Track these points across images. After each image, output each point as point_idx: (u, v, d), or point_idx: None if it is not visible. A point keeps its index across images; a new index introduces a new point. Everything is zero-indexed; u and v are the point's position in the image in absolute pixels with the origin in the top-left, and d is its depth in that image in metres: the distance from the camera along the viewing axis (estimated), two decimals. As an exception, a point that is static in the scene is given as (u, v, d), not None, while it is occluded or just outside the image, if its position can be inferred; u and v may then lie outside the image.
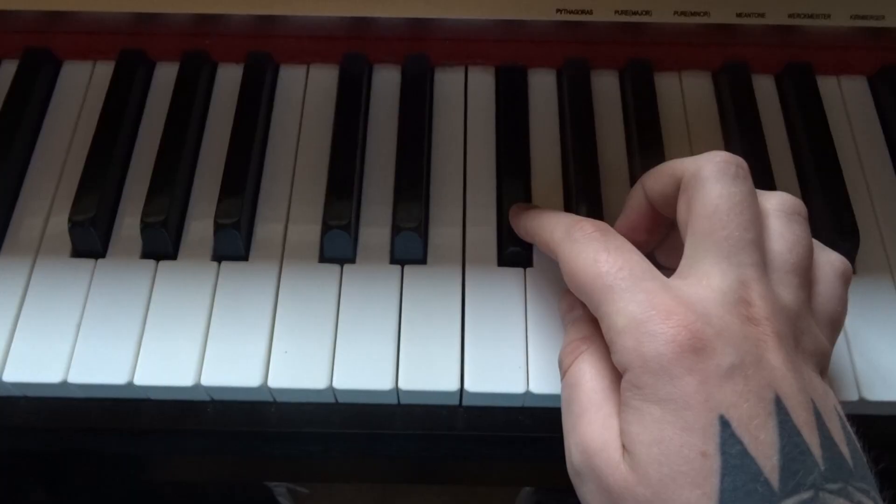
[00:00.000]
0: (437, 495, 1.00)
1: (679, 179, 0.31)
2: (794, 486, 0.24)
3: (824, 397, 0.27)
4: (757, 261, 0.28)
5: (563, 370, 0.31)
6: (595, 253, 0.29)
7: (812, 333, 0.29)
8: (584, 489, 0.28)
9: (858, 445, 0.27)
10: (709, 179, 0.29)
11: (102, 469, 0.48)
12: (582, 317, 0.33)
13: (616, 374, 0.29)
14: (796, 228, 0.30)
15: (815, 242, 0.31)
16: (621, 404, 0.27)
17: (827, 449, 0.25)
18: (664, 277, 0.28)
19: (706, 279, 0.27)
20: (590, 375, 0.30)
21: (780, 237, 0.29)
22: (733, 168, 0.29)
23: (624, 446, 0.27)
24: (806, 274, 0.29)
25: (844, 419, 0.27)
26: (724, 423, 0.25)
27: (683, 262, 0.29)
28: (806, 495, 0.24)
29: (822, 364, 0.29)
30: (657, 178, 0.33)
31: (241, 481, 0.83)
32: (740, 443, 0.24)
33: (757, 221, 0.29)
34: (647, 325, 0.26)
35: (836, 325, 0.31)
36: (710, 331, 0.26)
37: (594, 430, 0.28)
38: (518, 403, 0.36)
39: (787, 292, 0.28)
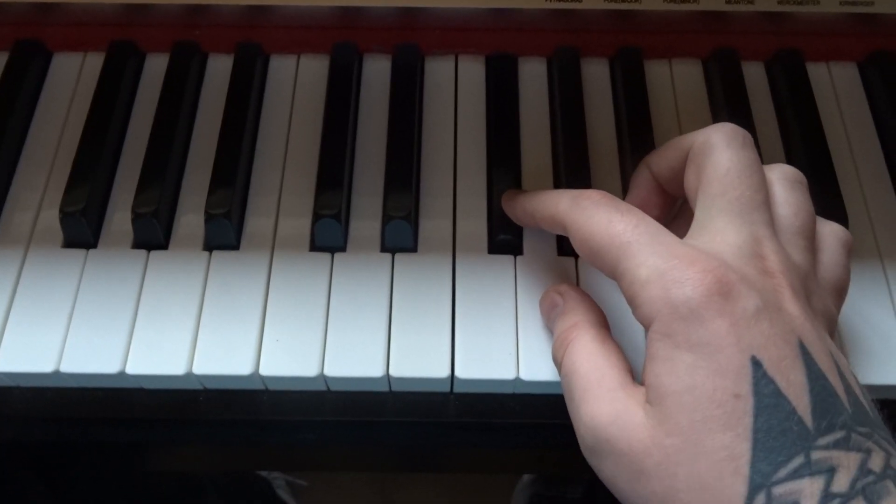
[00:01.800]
0: (435, 486, 1.00)
1: (686, 152, 0.32)
2: (826, 425, 0.24)
3: (838, 353, 0.27)
4: (768, 220, 0.29)
5: (558, 364, 0.32)
6: (608, 215, 0.29)
7: (820, 295, 0.29)
8: (603, 466, 0.28)
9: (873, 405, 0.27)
10: (718, 146, 0.30)
11: (98, 459, 0.48)
12: (564, 310, 0.33)
13: (610, 350, 0.30)
14: (799, 195, 0.31)
15: (817, 216, 0.32)
16: (648, 358, 0.27)
17: (851, 395, 0.26)
18: (677, 236, 0.28)
19: (720, 235, 0.28)
20: (583, 359, 0.30)
21: (785, 202, 0.30)
22: (741, 137, 0.30)
23: (649, 402, 0.27)
24: (811, 238, 0.30)
25: (857, 379, 0.27)
26: (757, 364, 0.25)
27: (694, 224, 0.30)
28: (839, 434, 0.24)
29: (830, 328, 0.29)
30: (664, 154, 0.33)
31: (237, 473, 0.84)
32: (773, 382, 0.25)
33: (765, 185, 0.30)
34: (672, 273, 0.26)
35: (840, 292, 0.31)
36: (733, 276, 0.26)
37: (601, 406, 0.28)
38: (509, 390, 0.36)
39: (796, 252, 0.29)
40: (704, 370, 0.25)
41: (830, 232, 0.32)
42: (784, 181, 0.31)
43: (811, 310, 0.28)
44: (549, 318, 0.35)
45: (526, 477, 0.91)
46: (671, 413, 0.26)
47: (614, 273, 0.29)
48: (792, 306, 0.27)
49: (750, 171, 0.29)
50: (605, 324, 0.33)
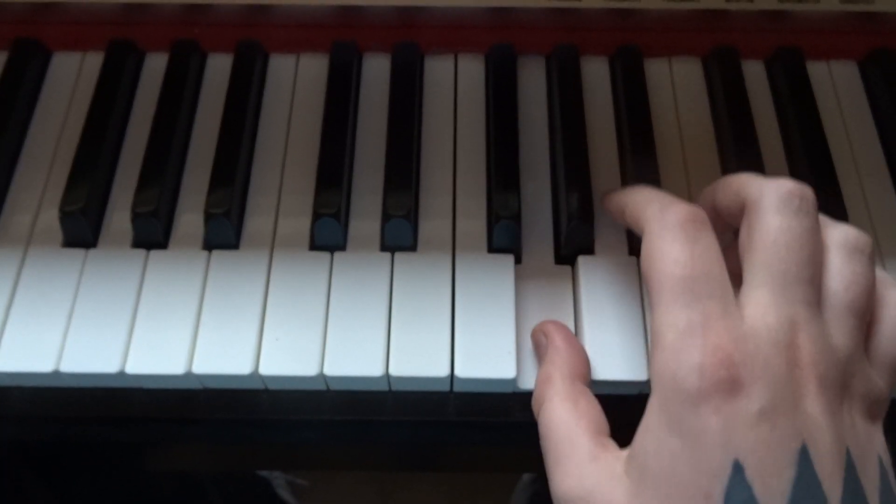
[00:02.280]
0: (436, 486, 1.00)
1: (743, 200, 0.30)
2: None
3: (866, 445, 0.26)
4: (811, 299, 0.27)
5: (536, 414, 0.32)
6: (678, 251, 0.28)
7: (865, 376, 0.28)
8: None
9: None
10: (769, 210, 0.28)
11: (98, 458, 0.48)
12: (544, 357, 0.34)
13: (581, 412, 0.30)
14: (856, 266, 0.29)
15: (887, 278, 0.30)
16: (643, 422, 0.27)
17: (849, 501, 0.25)
18: (730, 297, 0.27)
19: (761, 311, 0.27)
20: (554, 423, 0.30)
21: (837, 274, 0.28)
22: (797, 201, 0.28)
23: (627, 472, 0.27)
24: (862, 314, 0.28)
25: (889, 467, 0.26)
26: (738, 468, 0.24)
27: (743, 288, 0.28)
28: None
29: (875, 409, 0.28)
30: (724, 193, 0.32)
31: (238, 473, 0.84)
32: (749, 489, 0.24)
33: (816, 258, 0.28)
34: (691, 353, 0.26)
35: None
36: (749, 374, 0.25)
37: (572, 481, 0.28)
38: (509, 389, 0.36)
39: (840, 333, 0.28)
40: (687, 462, 0.25)
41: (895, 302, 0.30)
42: (842, 249, 0.29)
43: (845, 400, 0.27)
44: (537, 353, 0.35)
45: (526, 476, 0.91)
46: (647, 495, 0.26)
47: (652, 308, 0.28)
48: (813, 404, 0.26)
49: (800, 244, 0.27)
50: (582, 373, 0.33)
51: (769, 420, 0.25)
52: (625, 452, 0.28)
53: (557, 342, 0.34)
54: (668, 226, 0.29)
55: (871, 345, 0.29)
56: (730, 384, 0.25)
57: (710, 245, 0.28)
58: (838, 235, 0.29)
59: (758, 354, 0.26)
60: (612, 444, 0.29)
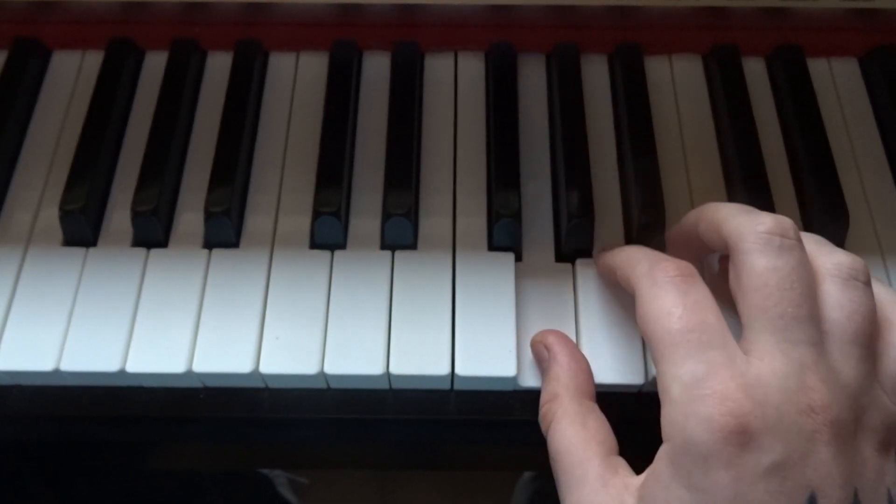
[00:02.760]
0: (436, 484, 1.00)
1: (725, 239, 0.30)
2: None
3: (875, 481, 0.26)
4: (814, 338, 0.27)
5: (544, 432, 0.32)
6: (671, 304, 0.28)
7: (878, 406, 0.27)
8: None
9: None
10: (752, 253, 0.28)
11: (99, 457, 0.48)
12: (548, 372, 0.33)
13: (591, 434, 0.30)
14: (854, 294, 0.28)
15: (892, 299, 0.29)
16: (652, 470, 0.27)
17: None
18: (733, 345, 0.27)
19: (768, 358, 0.26)
20: (564, 446, 0.30)
21: (836, 304, 0.28)
22: (777, 239, 0.28)
23: (640, 500, 0.27)
24: (868, 342, 0.28)
25: None
26: None
27: (744, 334, 0.28)
28: None
29: (889, 438, 0.27)
30: (706, 227, 0.31)
31: (238, 471, 0.84)
32: None
33: (811, 292, 0.27)
34: (698, 405, 0.25)
35: None
36: (760, 424, 0.25)
37: None
38: (509, 387, 0.36)
39: (848, 366, 0.27)
40: None
41: None
42: (836, 278, 0.28)
43: (858, 436, 0.26)
44: (540, 368, 0.35)
45: (527, 474, 0.90)
46: None
47: (656, 365, 0.28)
48: (825, 451, 0.25)
49: (790, 283, 0.27)
50: (588, 389, 0.32)
51: (780, 473, 0.25)
52: (634, 480, 0.28)
53: (561, 357, 0.33)
54: (658, 283, 0.29)
55: (882, 369, 0.28)
56: (739, 435, 0.25)
57: (702, 296, 0.28)
58: (832, 265, 0.29)
59: (767, 403, 0.25)
60: (622, 466, 0.29)
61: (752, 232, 0.28)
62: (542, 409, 0.32)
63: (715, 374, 0.26)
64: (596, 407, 0.32)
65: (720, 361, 0.26)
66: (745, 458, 0.25)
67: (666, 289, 0.28)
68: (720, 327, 0.27)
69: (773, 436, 0.25)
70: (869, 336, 0.28)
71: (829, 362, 0.27)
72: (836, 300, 0.28)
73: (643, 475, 0.28)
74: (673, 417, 0.26)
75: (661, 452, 0.27)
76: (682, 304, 0.28)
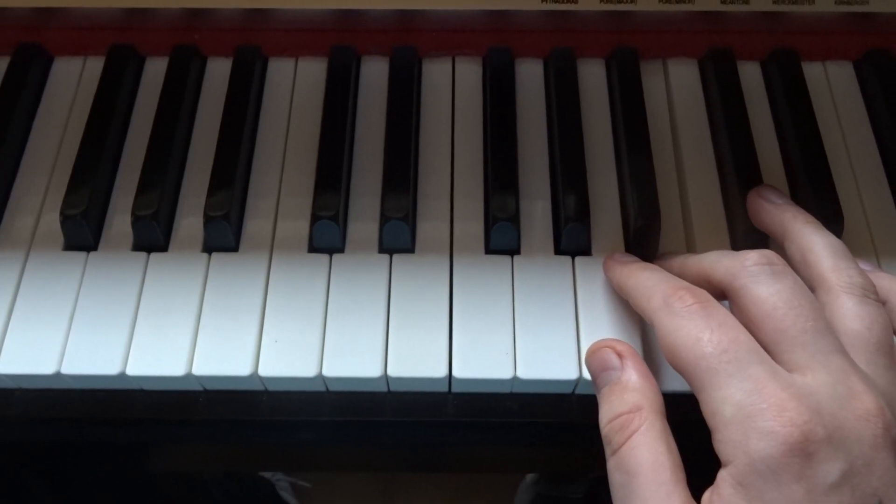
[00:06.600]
0: (438, 486, 1.01)
1: (717, 285, 0.30)
2: None
3: None
4: (841, 347, 0.27)
5: (613, 449, 0.29)
6: (697, 331, 0.27)
7: None
8: None
9: None
10: (750, 286, 0.28)
11: (100, 460, 0.48)
12: (623, 382, 0.30)
13: (674, 455, 0.28)
14: (871, 308, 0.29)
15: None
16: (715, 495, 0.26)
17: None
18: (771, 361, 0.27)
19: (808, 371, 0.26)
20: (649, 464, 0.27)
21: (855, 316, 0.28)
22: (768, 268, 0.28)
23: None
24: (891, 351, 0.28)
25: None
26: None
27: (777, 359, 0.27)
28: None
29: None
30: (695, 278, 0.31)
31: (238, 473, 0.84)
32: None
33: (819, 307, 0.28)
34: (756, 420, 0.25)
35: None
36: (821, 433, 0.24)
37: None
38: (507, 389, 0.37)
39: (880, 375, 0.27)
40: None
41: None
42: (852, 294, 0.29)
43: None
44: (598, 376, 0.32)
45: (529, 476, 0.91)
46: None
47: (698, 395, 0.27)
48: (885, 457, 0.25)
49: (797, 301, 0.27)
50: (664, 411, 0.30)
51: (849, 482, 0.24)
52: None
53: (640, 368, 0.31)
54: (677, 313, 0.29)
55: None
56: (807, 448, 0.24)
57: (725, 316, 0.28)
58: (845, 279, 0.29)
59: (822, 411, 0.25)
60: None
61: (742, 268, 0.29)
62: (620, 419, 0.29)
63: (764, 388, 0.25)
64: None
65: (764, 375, 0.26)
66: (814, 468, 0.24)
67: (687, 317, 0.28)
68: (752, 343, 0.27)
69: (835, 445, 0.24)
70: (891, 346, 0.28)
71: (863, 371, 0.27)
72: (855, 313, 0.28)
73: None
74: (731, 438, 0.25)
75: (723, 476, 0.26)
76: (708, 327, 0.27)
